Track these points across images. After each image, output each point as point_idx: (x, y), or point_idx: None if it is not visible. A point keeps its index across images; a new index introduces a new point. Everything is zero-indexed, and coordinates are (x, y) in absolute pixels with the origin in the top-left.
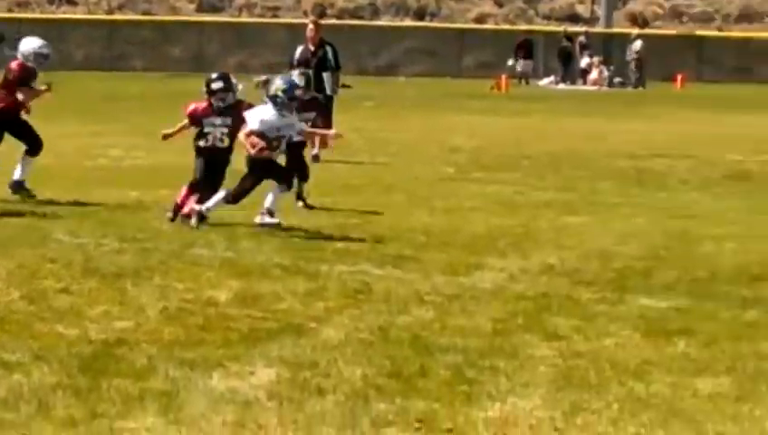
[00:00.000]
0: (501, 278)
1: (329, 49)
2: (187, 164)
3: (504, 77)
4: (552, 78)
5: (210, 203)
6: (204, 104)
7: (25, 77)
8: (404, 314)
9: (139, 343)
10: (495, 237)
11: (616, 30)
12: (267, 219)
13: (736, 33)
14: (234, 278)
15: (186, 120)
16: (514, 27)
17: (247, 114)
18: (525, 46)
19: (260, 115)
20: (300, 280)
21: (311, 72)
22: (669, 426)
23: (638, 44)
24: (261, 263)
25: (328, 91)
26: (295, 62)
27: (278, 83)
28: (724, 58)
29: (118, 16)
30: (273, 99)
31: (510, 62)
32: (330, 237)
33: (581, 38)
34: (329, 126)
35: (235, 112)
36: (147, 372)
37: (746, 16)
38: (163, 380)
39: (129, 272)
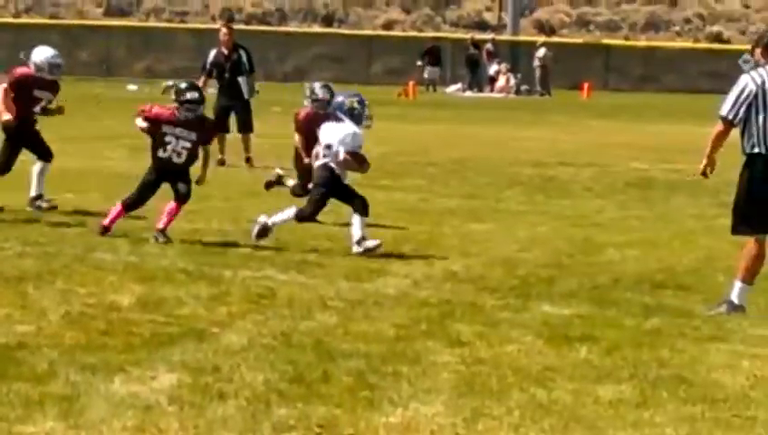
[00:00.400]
0: (405, 284)
1: (243, 53)
2: (95, 168)
3: (411, 84)
4: (459, 85)
5: (278, 218)
6: (168, 111)
7: (30, 85)
8: (307, 320)
9: (41, 347)
10: (400, 243)
11: (523, 38)
12: (368, 243)
13: (643, 41)
14: (137, 283)
15: (141, 122)
16: (422, 34)
17: (347, 136)
18: (433, 53)
19: (350, 131)
20: (203, 285)
21: (227, 75)
22: (570, 432)
23: (542, 52)
24: (164, 267)
25: (245, 96)
26: (209, 66)
27: (347, 98)
28: (631, 67)
29: (25, 20)
30: (351, 113)
31: (419, 63)
32: (234, 243)
33: (489, 45)
34: (249, 129)
35: (201, 128)
36: (47, 377)
37: (652, 25)
38: (64, 384)
39: (31, 276)
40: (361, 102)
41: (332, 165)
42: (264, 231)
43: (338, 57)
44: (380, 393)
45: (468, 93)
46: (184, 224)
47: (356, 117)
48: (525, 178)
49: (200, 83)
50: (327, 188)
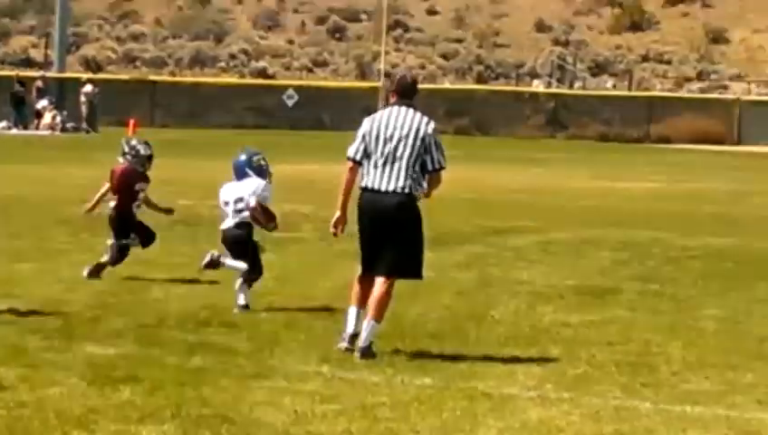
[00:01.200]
0: None
1: None
2: None
3: None
4: (4, 123)
5: (230, 262)
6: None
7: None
8: None
9: None
10: None
11: (70, 75)
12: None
13: (189, 77)
14: None
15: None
16: None
17: (258, 187)
18: None
19: (261, 183)
20: None
21: None
22: None
23: (88, 88)
24: None
25: None
26: None
27: (253, 154)
28: (177, 102)
29: None
30: (259, 169)
31: None
32: None
33: (38, 82)
34: None
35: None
36: None
37: (198, 62)
38: None
39: None
40: (264, 159)
41: (250, 220)
42: (214, 264)
43: None
44: None
45: (14, 131)
46: None
47: (263, 172)
48: (71, 216)
49: None
50: (252, 242)
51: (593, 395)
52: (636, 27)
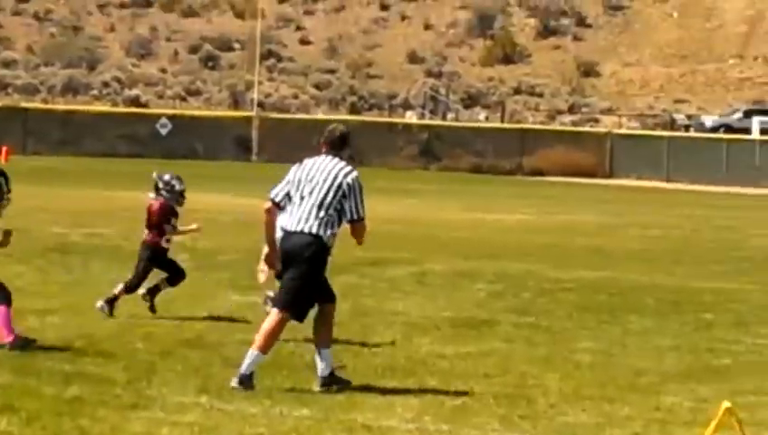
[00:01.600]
0: None
1: None
2: None
3: None
4: None
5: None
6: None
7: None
8: None
9: None
10: None
11: None
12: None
13: (61, 105)
14: None
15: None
16: None
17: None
18: None
19: None
20: None
21: None
22: None
23: None
24: None
25: None
26: None
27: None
28: (50, 130)
29: None
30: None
31: None
32: None
33: None
34: None
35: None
36: None
37: (71, 89)
38: None
39: None
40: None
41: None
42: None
43: None
44: None
45: None
46: None
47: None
48: None
49: None
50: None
51: (472, 427)
52: (508, 60)
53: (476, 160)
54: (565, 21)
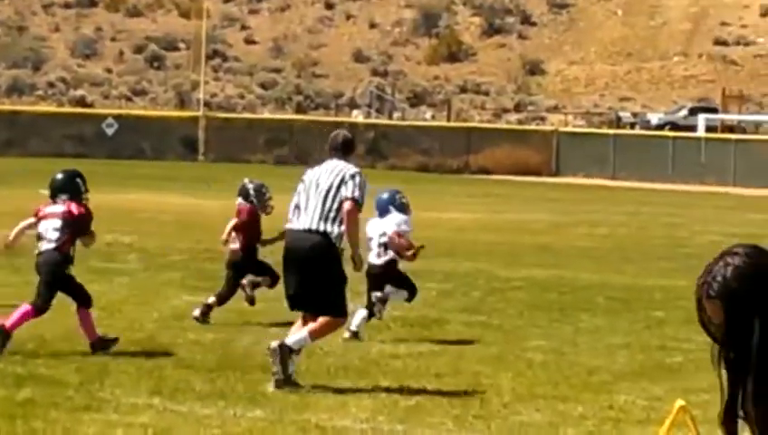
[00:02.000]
0: None
1: None
2: None
3: None
4: None
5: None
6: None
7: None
8: None
9: None
10: None
11: None
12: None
13: (7, 105)
14: None
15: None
16: None
17: (400, 220)
18: None
19: (404, 217)
20: None
21: None
22: None
23: None
24: None
25: None
26: None
27: (395, 193)
28: None
29: None
30: (402, 206)
31: None
32: None
33: None
34: None
35: None
36: None
37: (16, 89)
38: None
39: None
40: (405, 197)
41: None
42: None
43: None
44: None
45: None
46: None
47: (404, 208)
48: None
49: None
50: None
51: (426, 427)
52: (453, 58)
53: (423, 159)
54: (510, 19)
